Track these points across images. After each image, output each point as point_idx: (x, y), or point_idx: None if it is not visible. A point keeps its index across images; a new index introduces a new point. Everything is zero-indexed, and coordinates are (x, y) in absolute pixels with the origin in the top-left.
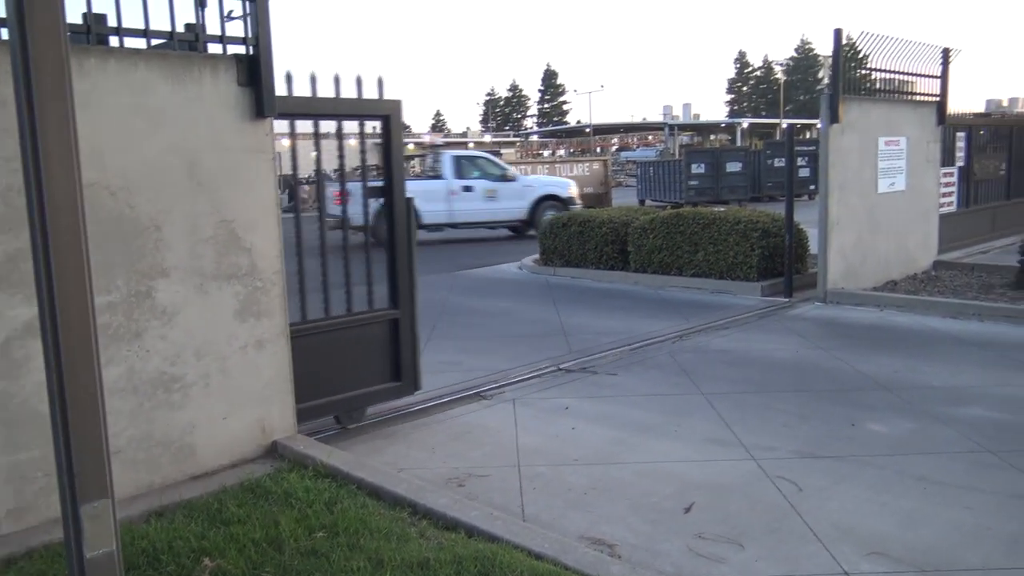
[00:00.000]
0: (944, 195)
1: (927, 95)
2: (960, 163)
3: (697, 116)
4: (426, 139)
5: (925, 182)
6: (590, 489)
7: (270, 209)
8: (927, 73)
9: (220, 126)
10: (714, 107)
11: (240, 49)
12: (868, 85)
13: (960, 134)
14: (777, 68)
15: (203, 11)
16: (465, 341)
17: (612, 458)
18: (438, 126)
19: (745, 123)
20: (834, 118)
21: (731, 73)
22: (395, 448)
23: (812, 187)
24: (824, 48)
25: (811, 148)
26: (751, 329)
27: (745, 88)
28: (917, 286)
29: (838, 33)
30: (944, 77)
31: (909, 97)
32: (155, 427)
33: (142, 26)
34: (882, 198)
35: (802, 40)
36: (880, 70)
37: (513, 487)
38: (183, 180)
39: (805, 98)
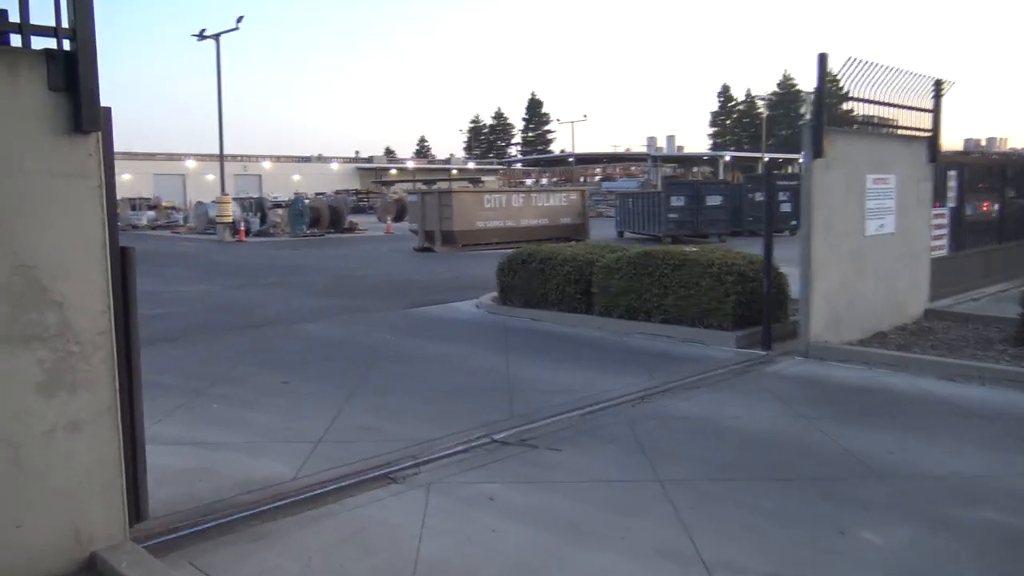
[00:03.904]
0: (935, 237)
1: (918, 130)
2: (951, 203)
3: (681, 148)
4: (410, 165)
5: (916, 223)
6: None
7: (92, 250)
8: (918, 106)
9: (17, 143)
10: (698, 139)
11: (51, 43)
12: (855, 117)
13: (951, 172)
14: (760, 102)
15: None
16: (392, 397)
17: None
18: (422, 152)
19: (728, 156)
20: (818, 152)
21: (715, 106)
22: (263, 557)
23: (793, 223)
24: (806, 83)
25: (793, 183)
26: (724, 390)
27: (728, 121)
28: (908, 339)
29: (822, 59)
30: (936, 111)
31: (899, 131)
32: None
33: None
34: (870, 240)
35: (784, 75)
36: (869, 101)
37: None
38: None
39: (787, 132)
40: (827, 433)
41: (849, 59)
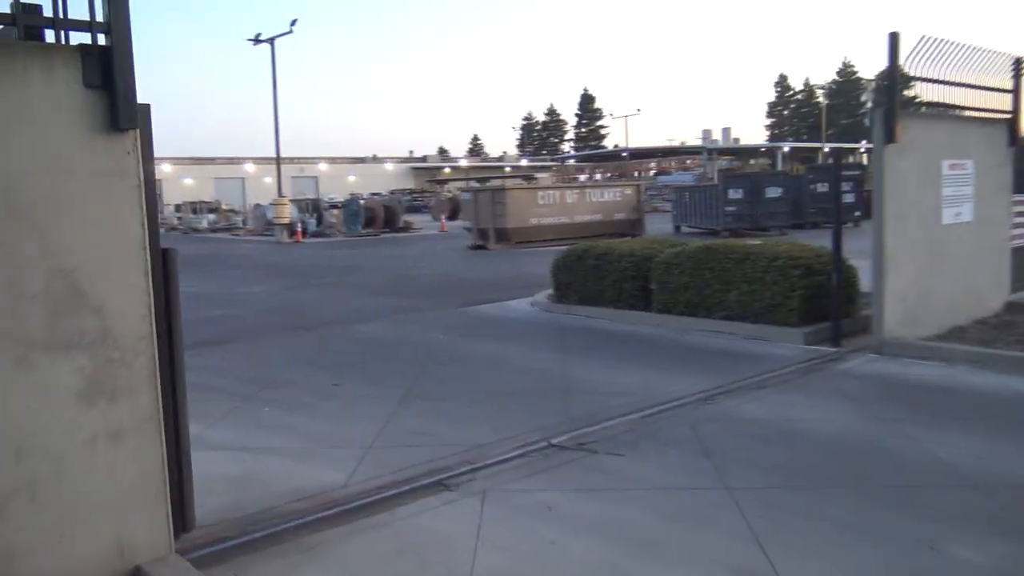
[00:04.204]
0: (1015, 226)
1: (997, 112)
2: None
3: (737, 140)
4: (463, 163)
5: (995, 211)
6: None
7: (133, 253)
8: (997, 86)
9: (55, 141)
10: (754, 131)
11: (87, 38)
12: (928, 100)
13: None
14: (819, 91)
15: None
16: (445, 401)
17: None
18: (475, 150)
19: (786, 147)
20: (890, 137)
21: (771, 96)
22: (311, 570)
23: (857, 214)
24: (867, 71)
25: (856, 173)
26: (792, 390)
27: (786, 112)
28: (990, 334)
29: (894, 38)
30: (1017, 91)
31: (977, 114)
32: None
33: None
34: (946, 230)
35: (844, 63)
36: (945, 82)
37: None
38: None
39: (847, 122)
40: (908, 437)
41: (923, 38)
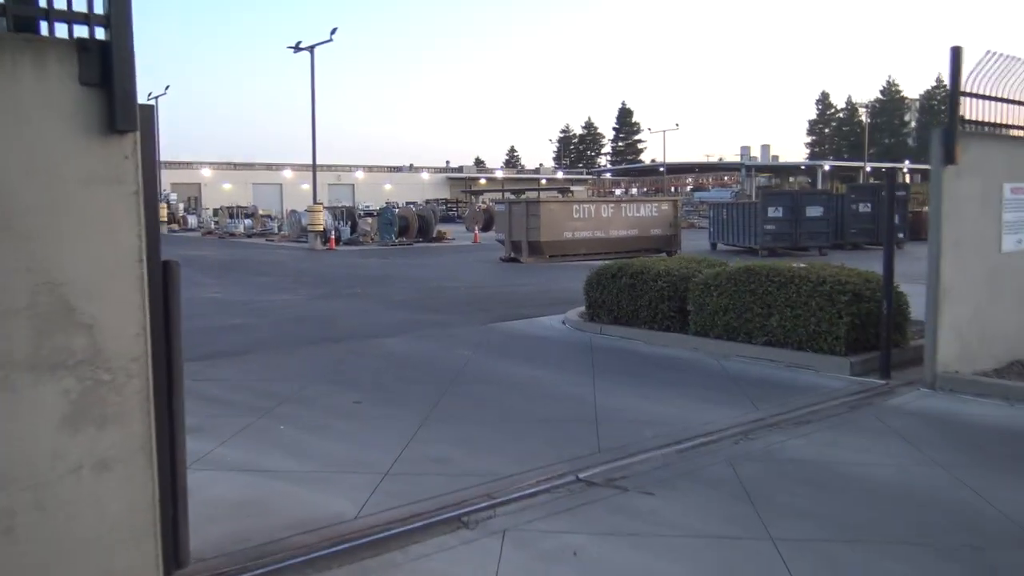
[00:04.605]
0: None
1: None
2: None
3: (776, 157)
4: (499, 174)
5: None
6: None
7: (129, 266)
8: None
9: (47, 143)
10: (794, 149)
11: (84, 31)
12: (989, 120)
13: None
14: (861, 110)
15: None
16: (468, 426)
17: None
18: (512, 162)
19: (827, 165)
20: (950, 158)
21: (812, 114)
22: None
23: (900, 236)
24: (912, 90)
25: (900, 194)
26: (840, 426)
27: (827, 130)
28: None
29: (956, 53)
30: None
31: None
32: None
33: None
34: (1007, 258)
35: (888, 81)
36: (1008, 100)
37: None
38: None
39: (890, 141)
40: (971, 488)
41: (988, 53)
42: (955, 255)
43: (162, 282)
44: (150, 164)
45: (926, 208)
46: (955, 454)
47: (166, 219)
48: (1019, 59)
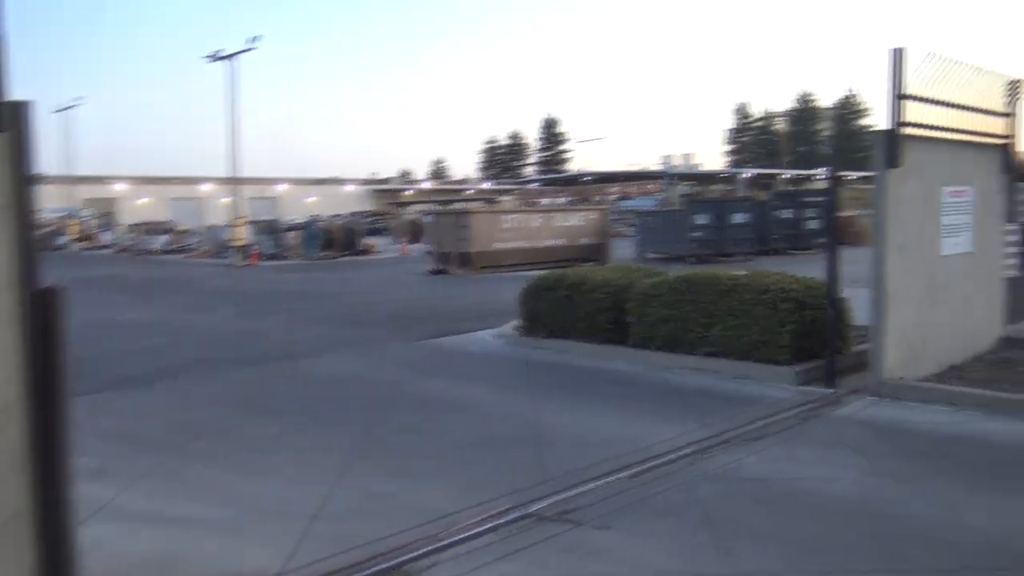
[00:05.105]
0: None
1: (993, 136)
2: (1022, 218)
3: (697, 166)
4: (425, 185)
5: (992, 241)
6: None
7: None
8: (993, 109)
9: None
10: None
11: None
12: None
13: (1021, 184)
14: (777, 119)
15: None
16: (404, 455)
17: None
18: (438, 173)
19: (746, 173)
20: (893, 162)
21: (731, 124)
22: None
23: (820, 240)
24: (825, 99)
25: (819, 199)
26: (793, 440)
27: (745, 138)
28: (991, 373)
29: (897, 55)
30: (1012, 114)
31: (975, 138)
32: None
33: None
34: (945, 261)
35: (802, 91)
36: (945, 103)
37: None
38: None
39: (804, 149)
40: (932, 501)
41: (928, 55)
42: (900, 259)
43: (43, 314)
44: (24, 174)
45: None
46: (912, 466)
47: (78, 237)
48: (952, 60)
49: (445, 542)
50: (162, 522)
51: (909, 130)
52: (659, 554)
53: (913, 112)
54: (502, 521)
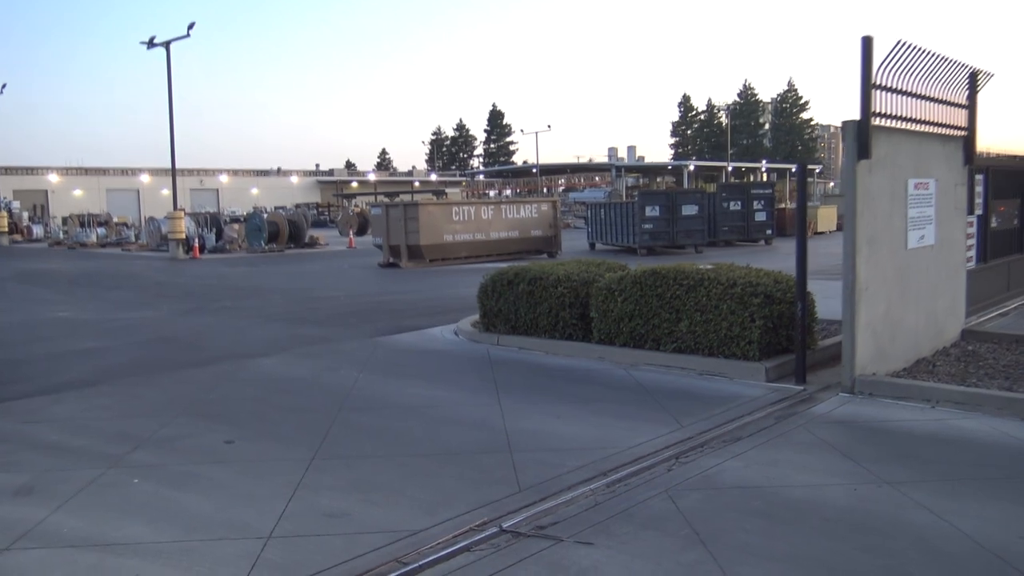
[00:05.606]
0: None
1: (955, 128)
2: (979, 211)
3: (642, 158)
4: (371, 177)
5: (954, 234)
6: None
7: None
8: (954, 101)
9: None
10: (658, 149)
11: None
12: (894, 113)
13: (978, 176)
14: (721, 112)
15: None
16: (364, 464)
17: None
18: (384, 164)
19: (692, 165)
20: (864, 152)
21: (675, 116)
22: None
23: (769, 232)
24: (766, 93)
25: (767, 191)
26: (772, 441)
27: (689, 131)
28: (959, 367)
29: (867, 43)
30: (972, 106)
31: (939, 130)
32: None
33: None
34: (912, 255)
35: (745, 84)
36: (913, 94)
37: None
38: None
39: (748, 142)
40: (925, 507)
41: (899, 43)
42: (869, 252)
43: None
44: None
45: (788, 206)
46: (896, 469)
47: (7, 229)
48: (928, 51)
49: (412, 566)
50: (98, 548)
51: (878, 121)
52: (647, 571)
53: (882, 102)
54: (476, 539)
